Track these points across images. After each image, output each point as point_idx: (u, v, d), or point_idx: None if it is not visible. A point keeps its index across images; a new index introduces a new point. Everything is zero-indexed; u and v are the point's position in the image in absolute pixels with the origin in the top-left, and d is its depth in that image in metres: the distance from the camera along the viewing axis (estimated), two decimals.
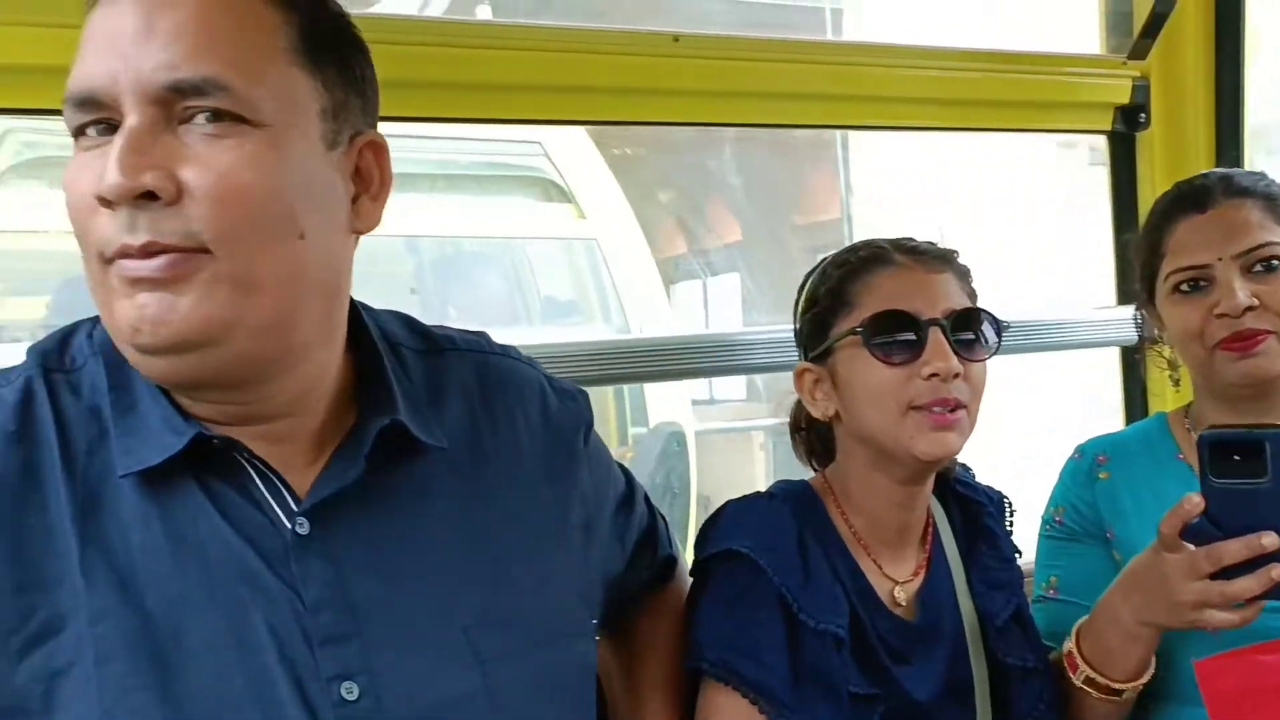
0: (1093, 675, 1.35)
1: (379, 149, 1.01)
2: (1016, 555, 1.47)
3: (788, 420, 1.50)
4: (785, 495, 1.37)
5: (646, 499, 1.32)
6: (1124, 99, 2.09)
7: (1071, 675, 1.37)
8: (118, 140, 0.87)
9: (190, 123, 0.88)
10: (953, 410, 1.29)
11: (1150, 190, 2.11)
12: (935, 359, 1.28)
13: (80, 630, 0.89)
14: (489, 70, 1.59)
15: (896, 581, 1.37)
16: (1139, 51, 2.08)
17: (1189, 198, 1.50)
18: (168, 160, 0.87)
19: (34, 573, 0.90)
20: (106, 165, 0.86)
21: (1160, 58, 2.09)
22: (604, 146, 4.60)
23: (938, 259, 1.35)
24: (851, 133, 6.52)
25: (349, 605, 0.96)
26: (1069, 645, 1.38)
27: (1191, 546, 1.26)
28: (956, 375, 1.28)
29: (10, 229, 3.63)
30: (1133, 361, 2.14)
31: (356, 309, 1.07)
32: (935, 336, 1.29)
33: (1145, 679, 1.36)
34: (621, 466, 1.29)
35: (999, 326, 1.34)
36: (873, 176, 6.94)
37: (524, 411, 1.14)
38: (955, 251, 1.38)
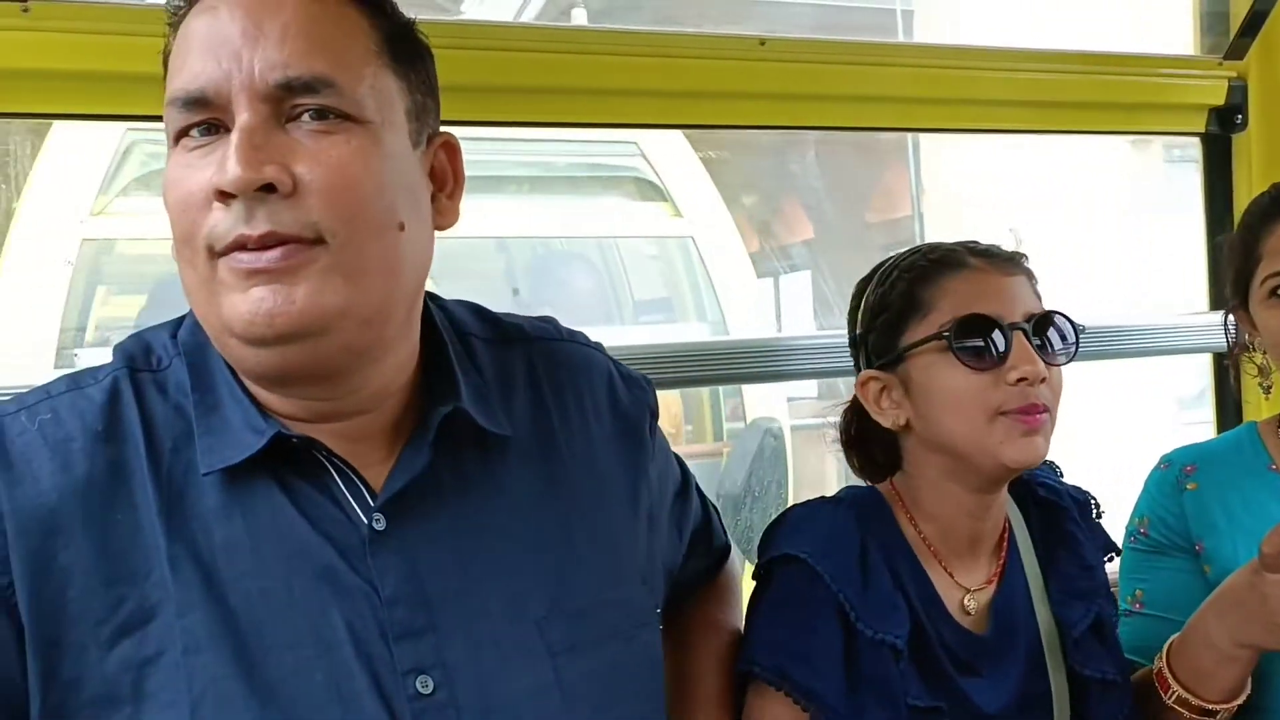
0: (1185, 696, 1.32)
1: (452, 149, 1.06)
2: (1107, 559, 1.43)
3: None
4: (852, 501, 1.35)
5: (698, 489, 1.33)
6: (1219, 100, 2.04)
7: (1163, 695, 1.34)
8: (235, 136, 0.90)
9: (298, 120, 0.93)
10: (1040, 415, 1.26)
11: (1247, 193, 2.06)
12: (1022, 363, 1.25)
13: (169, 621, 0.93)
14: (579, 75, 1.62)
15: (968, 590, 1.33)
16: (1236, 51, 2.04)
17: None
18: (283, 155, 0.91)
19: (122, 566, 0.94)
20: (226, 160, 0.90)
21: (1259, 57, 2.04)
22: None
23: (1009, 261, 1.33)
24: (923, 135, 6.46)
25: (424, 600, 0.98)
26: (1160, 664, 1.35)
27: None
28: (1043, 380, 1.25)
29: (134, 236, 3.78)
30: (1225, 369, 2.11)
31: (426, 302, 1.09)
32: (1019, 340, 1.26)
33: (1240, 700, 1.33)
34: (676, 457, 1.30)
35: (1077, 330, 1.31)
36: (943, 177, 6.83)
37: (593, 398, 1.16)
38: (1024, 254, 1.36)
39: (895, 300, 1.33)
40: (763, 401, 4.57)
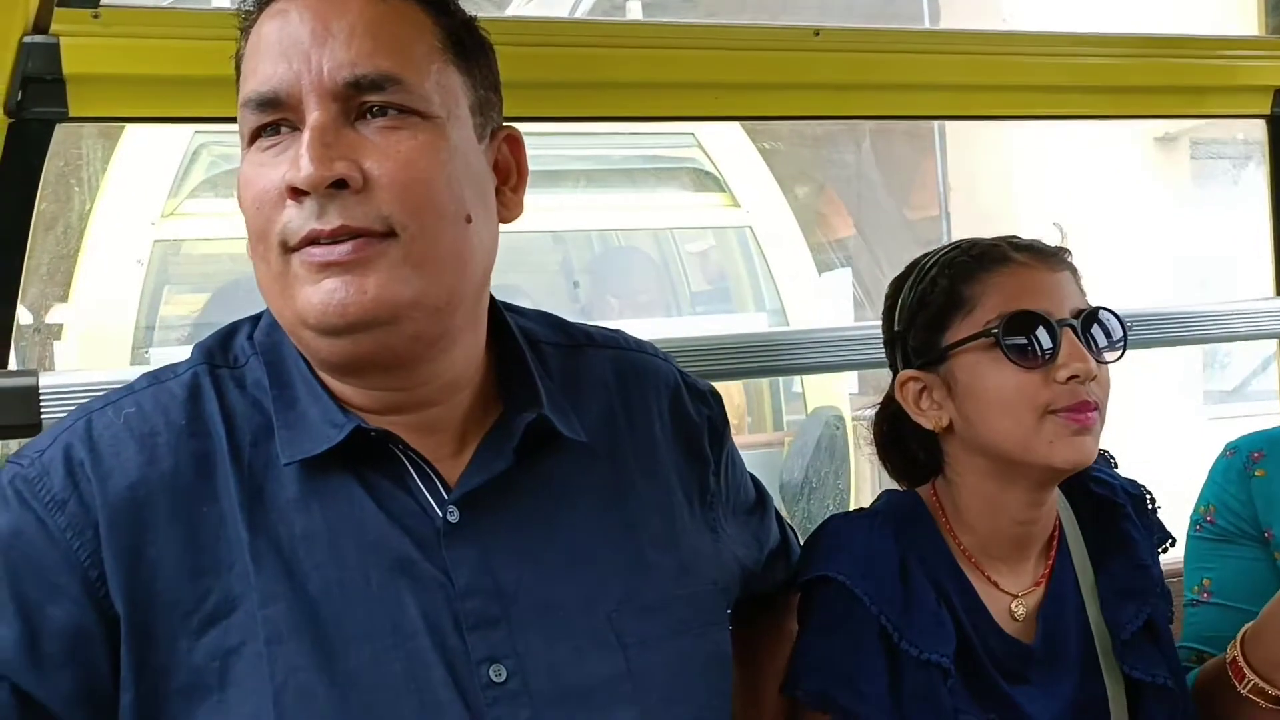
0: (1261, 685, 1.30)
1: (515, 142, 1.08)
2: (1161, 551, 1.40)
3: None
4: (889, 513, 1.32)
5: (778, 514, 1.34)
6: None
7: (1237, 685, 1.32)
8: (305, 135, 0.94)
9: (366, 118, 0.96)
10: (1091, 414, 1.23)
11: None
12: (1073, 360, 1.22)
13: (252, 611, 0.95)
14: (633, 69, 1.63)
15: (1014, 595, 1.31)
16: None
17: None
18: (353, 152, 0.94)
19: (208, 558, 0.97)
20: (299, 158, 0.93)
21: None
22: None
23: (1054, 257, 1.29)
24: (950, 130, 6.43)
25: (497, 591, 1.00)
26: (1233, 653, 1.33)
27: None
28: (1093, 377, 1.22)
29: (203, 237, 3.87)
30: None
31: (496, 305, 1.12)
32: (1069, 337, 1.23)
33: None
34: (752, 476, 1.31)
35: (1125, 326, 1.28)
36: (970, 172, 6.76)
37: (658, 406, 1.18)
38: (1068, 250, 1.32)
39: (937, 297, 1.30)
40: (823, 391, 4.56)
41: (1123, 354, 1.29)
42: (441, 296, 0.98)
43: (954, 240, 1.37)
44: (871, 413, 1.43)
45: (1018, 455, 1.25)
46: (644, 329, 1.33)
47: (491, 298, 1.12)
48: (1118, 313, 1.29)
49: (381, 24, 0.97)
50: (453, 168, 0.98)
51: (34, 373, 1.35)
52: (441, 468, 1.03)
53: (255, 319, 1.09)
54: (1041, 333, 1.23)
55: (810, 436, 4.41)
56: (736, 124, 4.28)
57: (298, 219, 0.94)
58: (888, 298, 1.38)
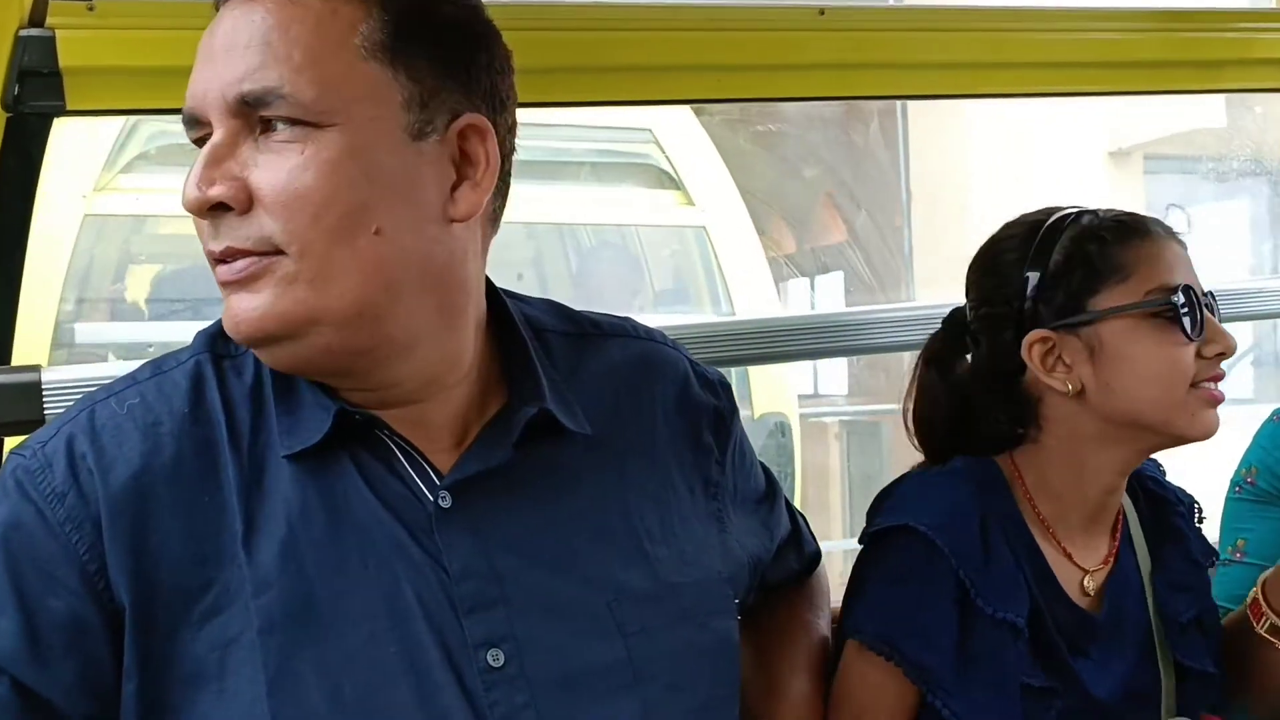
0: (1278, 623, 1.29)
1: (481, 132, 1.00)
2: (1210, 563, 1.41)
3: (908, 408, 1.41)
4: (969, 473, 1.31)
5: (788, 501, 1.33)
6: None
7: (1255, 624, 1.31)
8: (199, 156, 0.94)
9: (269, 133, 0.94)
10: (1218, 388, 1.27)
11: None
12: (1222, 337, 1.26)
13: (246, 601, 0.95)
14: (633, 51, 1.61)
15: (1086, 570, 1.31)
16: None
17: None
18: (242, 170, 0.93)
19: (210, 548, 0.97)
20: (186, 180, 0.94)
21: None
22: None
23: (1177, 236, 1.32)
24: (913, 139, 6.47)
25: (494, 575, 1.00)
26: (1255, 593, 1.33)
27: None
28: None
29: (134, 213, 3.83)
30: None
31: (500, 296, 1.10)
32: (1210, 315, 1.27)
33: None
34: (763, 465, 1.30)
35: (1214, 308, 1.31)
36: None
37: (664, 395, 1.17)
38: None
39: (1093, 260, 1.29)
40: (770, 396, 4.55)
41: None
42: (346, 310, 0.95)
43: (1052, 209, 1.36)
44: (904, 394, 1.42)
45: (1158, 424, 1.27)
46: None
47: (495, 287, 1.10)
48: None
49: (280, 30, 0.94)
50: (347, 178, 0.94)
51: (37, 368, 1.35)
52: (436, 459, 1.03)
53: None
54: (1201, 308, 1.26)
55: (755, 443, 4.40)
56: (695, 123, 4.25)
57: (204, 238, 0.97)
58: (992, 263, 1.36)
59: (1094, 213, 1.34)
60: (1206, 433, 1.26)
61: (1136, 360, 1.26)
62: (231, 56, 0.94)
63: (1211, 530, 1.50)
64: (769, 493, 1.29)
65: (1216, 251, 7.58)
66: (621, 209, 4.69)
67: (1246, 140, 6.96)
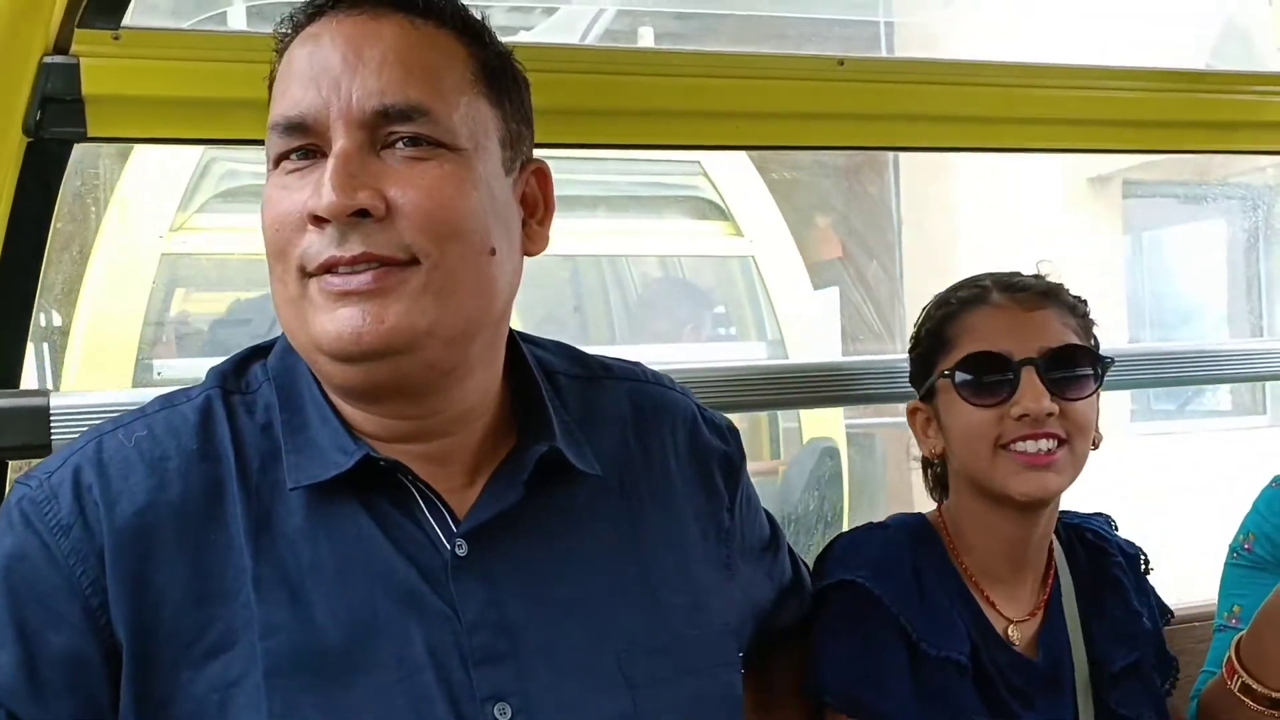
0: (1249, 683, 1.29)
1: (543, 175, 1.07)
2: (1158, 614, 1.45)
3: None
4: (900, 526, 1.38)
5: (791, 549, 1.33)
6: None
7: (1228, 683, 1.31)
8: (330, 163, 0.93)
9: (392, 148, 0.95)
10: (1050, 452, 1.28)
11: None
12: (1026, 399, 1.28)
13: (252, 642, 0.94)
14: (651, 97, 1.62)
15: (1011, 620, 1.35)
16: None
17: None
18: (377, 181, 0.93)
19: (214, 585, 0.95)
20: (321, 185, 0.92)
21: None
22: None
23: (1039, 295, 1.34)
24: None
25: (505, 626, 0.99)
26: (1230, 653, 1.33)
27: None
28: (1050, 415, 1.27)
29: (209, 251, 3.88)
30: None
31: (513, 337, 1.10)
32: (1028, 376, 1.28)
33: None
34: (767, 513, 1.30)
35: (1102, 362, 1.33)
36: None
37: (674, 439, 1.16)
38: (1060, 286, 1.37)
39: (927, 336, 1.40)
40: (819, 422, 4.57)
41: (1094, 392, 1.33)
42: (458, 326, 0.97)
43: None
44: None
45: (984, 484, 1.33)
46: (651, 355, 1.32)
47: (509, 329, 1.10)
48: (1096, 350, 1.34)
49: (413, 53, 0.96)
50: (477, 200, 0.97)
51: (45, 393, 1.34)
52: (451, 499, 1.02)
53: (271, 343, 1.08)
54: (995, 372, 1.30)
55: (805, 467, 4.41)
56: (743, 155, 4.32)
57: (318, 244, 0.94)
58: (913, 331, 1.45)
59: (957, 286, 1.41)
60: (1026, 493, 1.30)
61: (952, 425, 1.35)
62: (364, 69, 0.95)
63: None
64: (773, 541, 1.29)
65: (1193, 271, 7.95)
66: (670, 239, 4.77)
67: (1216, 166, 7.32)
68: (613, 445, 1.12)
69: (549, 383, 1.11)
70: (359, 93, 0.94)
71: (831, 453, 4.55)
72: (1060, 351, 1.31)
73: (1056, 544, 1.42)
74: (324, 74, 0.95)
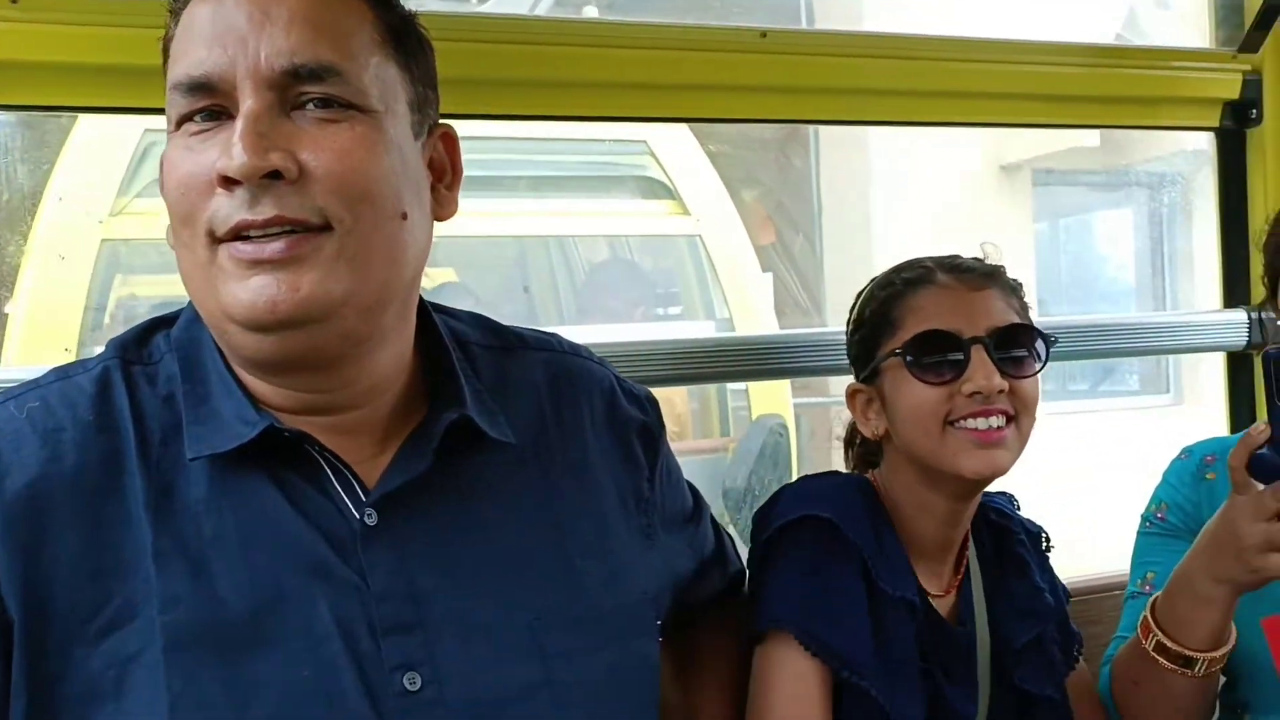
0: (1164, 641, 1.31)
1: (451, 140, 1.05)
2: (1057, 589, 1.47)
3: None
4: (850, 479, 1.40)
5: (713, 519, 1.33)
6: (1233, 94, 2.01)
7: (1143, 642, 1.33)
8: (240, 123, 0.90)
9: (302, 109, 0.92)
10: (1000, 428, 1.29)
11: (1262, 187, 2.03)
12: (977, 376, 1.29)
13: (151, 617, 0.91)
14: (583, 68, 1.61)
15: (930, 594, 1.37)
16: (1250, 44, 2.00)
17: None
18: (288, 142, 0.91)
19: (111, 560, 0.93)
20: (231, 146, 0.89)
21: (1274, 51, 2.00)
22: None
23: (982, 276, 1.35)
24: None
25: (413, 595, 0.97)
26: (1145, 614, 1.35)
27: (1261, 487, 1.22)
28: (1001, 392, 1.29)
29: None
30: (1239, 367, 2.08)
31: (425, 306, 1.09)
32: (978, 355, 1.30)
33: (1221, 652, 1.31)
34: (690, 484, 1.30)
35: (1047, 340, 1.34)
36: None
37: (590, 409, 1.15)
38: (1001, 268, 1.38)
39: (870, 317, 1.39)
40: (768, 398, 4.60)
41: (1041, 368, 1.34)
42: (373, 294, 0.95)
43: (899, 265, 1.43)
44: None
45: (931, 462, 1.32)
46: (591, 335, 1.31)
47: (420, 298, 1.09)
48: (1042, 329, 1.35)
49: (321, 12, 0.94)
50: (390, 163, 0.95)
51: None
52: (361, 470, 1.00)
53: (176, 314, 1.05)
54: (945, 351, 1.31)
55: (754, 443, 4.44)
56: (689, 135, 4.32)
57: (227, 207, 0.91)
58: (855, 308, 1.45)
59: (900, 268, 1.40)
60: (977, 471, 1.29)
61: (900, 404, 1.34)
62: (271, 28, 0.92)
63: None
64: (695, 511, 1.29)
65: (1104, 253, 8.26)
66: (618, 220, 4.74)
67: (1123, 154, 7.65)
68: (528, 415, 1.11)
69: (462, 352, 1.10)
70: (267, 51, 0.91)
71: (780, 429, 4.57)
72: (1007, 330, 1.32)
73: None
74: (229, 32, 0.92)
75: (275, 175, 0.90)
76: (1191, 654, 1.30)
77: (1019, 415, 1.31)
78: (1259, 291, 2.03)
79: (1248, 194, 2.06)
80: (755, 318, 4.57)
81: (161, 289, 4.08)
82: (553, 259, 4.84)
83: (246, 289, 0.91)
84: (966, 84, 1.86)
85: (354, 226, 0.92)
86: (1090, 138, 7.07)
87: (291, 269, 0.90)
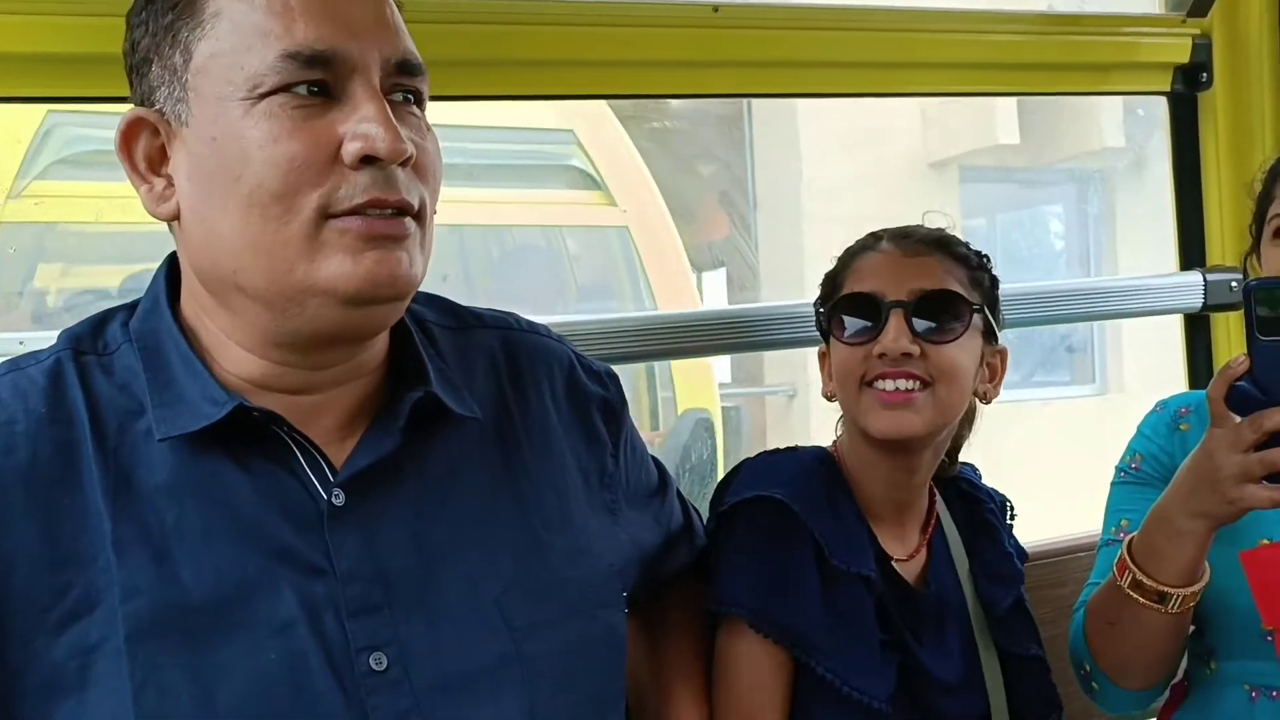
0: (1139, 578, 1.31)
1: None
2: (1021, 557, 1.50)
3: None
4: (809, 453, 1.41)
5: (679, 492, 1.34)
6: (1184, 59, 2.02)
7: (1119, 579, 1.34)
8: (375, 105, 0.92)
9: (396, 104, 0.96)
10: (909, 391, 1.31)
11: (1214, 151, 2.05)
12: (886, 338, 1.31)
13: (112, 607, 0.91)
14: (528, 46, 1.59)
15: (895, 559, 1.38)
16: (1199, 9, 2.01)
17: None
18: (408, 131, 0.95)
19: (69, 550, 0.92)
20: (375, 126, 0.92)
21: (1222, 15, 2.02)
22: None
23: (923, 243, 1.37)
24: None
25: (380, 576, 0.97)
26: (1121, 553, 1.35)
27: (1239, 419, 1.22)
28: (907, 355, 1.30)
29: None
30: (1197, 329, 2.10)
31: None
32: (895, 318, 1.31)
33: (1195, 588, 1.31)
34: (655, 459, 1.30)
35: (970, 307, 1.34)
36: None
37: (550, 386, 1.15)
38: (953, 238, 1.40)
39: (825, 281, 1.43)
40: (694, 393, 4.63)
41: (958, 338, 1.34)
42: (420, 281, 0.99)
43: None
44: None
45: (854, 421, 1.36)
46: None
47: None
48: (964, 296, 1.35)
49: (394, 10, 0.99)
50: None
51: None
52: (329, 451, 1.00)
53: (130, 306, 1.04)
54: (865, 312, 1.34)
55: (680, 438, 4.46)
56: (617, 124, 4.30)
57: (359, 184, 0.92)
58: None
59: (870, 235, 1.44)
60: (883, 432, 1.31)
61: (834, 364, 1.38)
62: (379, 17, 0.95)
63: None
64: (661, 485, 1.29)
65: (1027, 247, 8.60)
66: (545, 210, 4.71)
67: (1037, 154, 7.97)
68: (489, 392, 1.11)
69: (422, 333, 1.10)
70: (387, 40, 0.95)
71: (706, 424, 4.59)
72: (930, 295, 1.33)
73: (938, 495, 1.47)
74: (351, 12, 0.94)
75: (405, 160, 0.94)
76: (1167, 589, 1.30)
77: (936, 381, 1.31)
78: (1214, 254, 2.06)
79: (1200, 158, 2.07)
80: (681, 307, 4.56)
81: (75, 279, 4.00)
82: (475, 248, 4.80)
83: (361, 262, 0.92)
84: (920, 54, 1.86)
85: (430, 218, 0.99)
86: (1011, 135, 7.44)
87: (399, 247, 0.94)
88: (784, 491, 1.31)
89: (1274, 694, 1.37)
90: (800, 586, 1.28)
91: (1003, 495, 1.53)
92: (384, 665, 0.95)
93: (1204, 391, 1.56)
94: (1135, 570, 1.32)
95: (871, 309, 1.33)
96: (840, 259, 1.42)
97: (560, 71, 1.64)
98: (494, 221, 4.68)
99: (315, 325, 0.96)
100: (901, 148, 7.51)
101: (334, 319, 0.95)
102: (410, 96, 0.98)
